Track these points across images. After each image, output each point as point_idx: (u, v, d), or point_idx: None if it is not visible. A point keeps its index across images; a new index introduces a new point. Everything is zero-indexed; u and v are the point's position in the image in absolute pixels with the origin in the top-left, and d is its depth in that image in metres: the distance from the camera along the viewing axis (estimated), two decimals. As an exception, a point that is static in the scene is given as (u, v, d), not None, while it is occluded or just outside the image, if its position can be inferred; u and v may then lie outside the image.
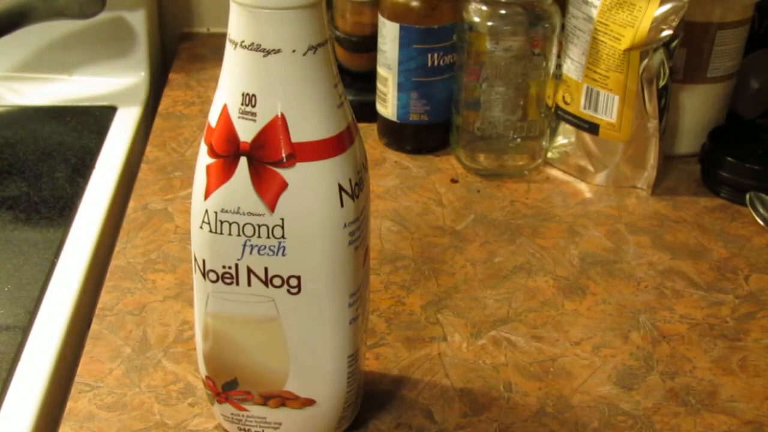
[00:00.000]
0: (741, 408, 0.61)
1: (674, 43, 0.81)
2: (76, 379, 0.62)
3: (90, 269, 0.74)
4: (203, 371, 0.55)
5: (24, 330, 0.67)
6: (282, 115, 0.47)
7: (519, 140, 0.86)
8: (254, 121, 0.47)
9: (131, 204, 0.81)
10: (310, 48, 0.46)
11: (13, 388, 0.62)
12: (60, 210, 0.81)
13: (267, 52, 0.46)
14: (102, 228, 0.79)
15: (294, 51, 0.46)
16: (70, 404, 0.60)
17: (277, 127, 0.47)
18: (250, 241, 0.49)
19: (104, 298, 0.70)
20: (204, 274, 0.51)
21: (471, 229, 0.79)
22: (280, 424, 0.55)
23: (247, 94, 0.47)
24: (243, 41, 0.46)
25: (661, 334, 0.67)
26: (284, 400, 0.54)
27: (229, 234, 0.49)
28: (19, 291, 0.71)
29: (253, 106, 0.47)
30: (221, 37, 0.48)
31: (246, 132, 0.47)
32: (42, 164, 0.88)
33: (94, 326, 0.67)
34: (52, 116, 0.97)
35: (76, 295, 0.71)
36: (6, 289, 0.71)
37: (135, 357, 0.64)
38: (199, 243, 0.51)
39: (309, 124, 0.47)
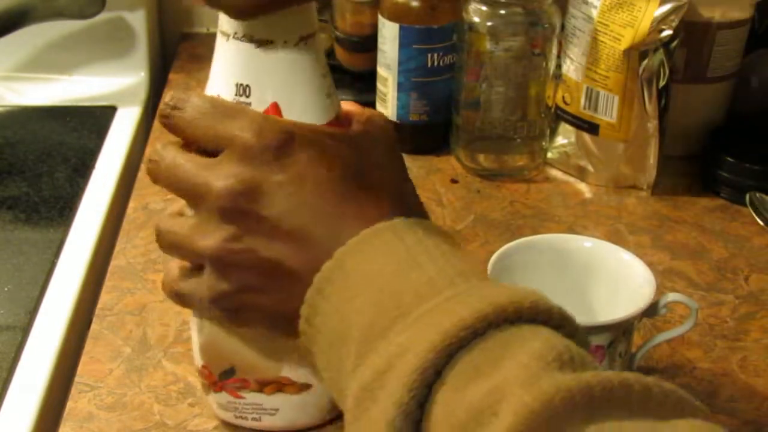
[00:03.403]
0: (741, 408, 0.61)
1: (674, 43, 0.80)
2: (76, 379, 0.62)
3: (90, 269, 0.74)
4: (199, 361, 0.55)
5: (24, 330, 0.67)
6: (276, 104, 0.47)
7: (519, 140, 0.86)
8: None
9: (131, 204, 0.81)
10: (301, 39, 0.46)
11: (13, 388, 0.62)
12: (60, 210, 0.81)
13: (259, 43, 0.46)
14: (102, 228, 0.79)
15: (285, 42, 0.46)
16: (70, 404, 0.60)
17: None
18: None
19: (104, 298, 0.70)
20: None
21: (471, 229, 0.79)
22: (277, 410, 0.55)
23: (241, 85, 0.47)
24: (236, 33, 0.46)
25: (661, 334, 0.67)
26: (281, 385, 0.54)
27: None
28: (19, 291, 0.71)
29: (248, 96, 0.47)
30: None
31: None
32: (42, 164, 0.88)
33: (94, 326, 0.67)
34: (52, 116, 0.97)
35: (76, 295, 0.71)
36: (6, 289, 0.71)
37: (135, 357, 0.64)
38: None
39: (302, 113, 0.47)
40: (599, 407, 0.34)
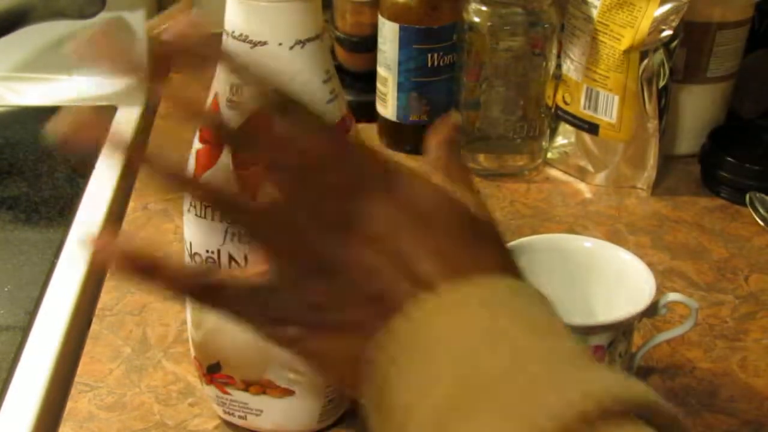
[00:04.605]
0: (741, 408, 0.61)
1: (674, 43, 0.81)
2: (76, 379, 0.62)
3: (90, 269, 0.74)
4: (192, 352, 0.56)
5: (24, 330, 0.67)
6: None
7: (519, 140, 0.86)
8: None
9: (131, 204, 0.81)
10: (297, 42, 0.46)
11: (13, 388, 0.62)
12: (60, 210, 0.81)
13: (254, 44, 0.46)
14: (102, 228, 0.79)
15: (280, 44, 0.46)
16: (70, 404, 0.60)
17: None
18: (231, 227, 0.49)
19: (104, 298, 0.70)
20: (191, 257, 0.51)
21: (471, 229, 0.79)
22: (261, 411, 0.55)
23: (235, 85, 0.47)
24: (233, 32, 0.46)
25: (661, 334, 0.67)
26: (264, 388, 0.54)
27: (212, 219, 0.50)
28: (19, 291, 0.71)
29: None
30: (221, 38, 0.48)
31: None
32: (42, 164, 0.88)
33: (94, 326, 0.67)
34: (52, 116, 0.97)
35: (76, 295, 0.71)
36: (6, 289, 0.71)
37: (135, 357, 0.64)
38: (187, 226, 0.52)
39: None
40: None
